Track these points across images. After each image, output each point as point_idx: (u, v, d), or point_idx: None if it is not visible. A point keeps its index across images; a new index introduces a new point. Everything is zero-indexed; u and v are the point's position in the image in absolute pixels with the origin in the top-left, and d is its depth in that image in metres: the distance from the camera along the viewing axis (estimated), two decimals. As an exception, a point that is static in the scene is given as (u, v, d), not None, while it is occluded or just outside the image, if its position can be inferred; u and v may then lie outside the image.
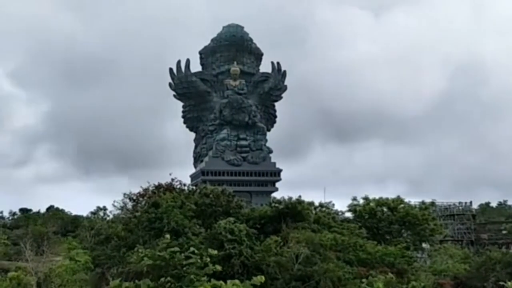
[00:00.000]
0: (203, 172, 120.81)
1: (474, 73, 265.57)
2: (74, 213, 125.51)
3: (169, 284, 29.81)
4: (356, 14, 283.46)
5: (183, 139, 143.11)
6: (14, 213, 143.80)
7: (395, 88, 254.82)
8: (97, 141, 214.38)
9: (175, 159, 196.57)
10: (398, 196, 70.77)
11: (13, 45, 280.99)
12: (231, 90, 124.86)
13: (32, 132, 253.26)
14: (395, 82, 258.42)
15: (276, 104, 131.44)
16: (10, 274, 42.98)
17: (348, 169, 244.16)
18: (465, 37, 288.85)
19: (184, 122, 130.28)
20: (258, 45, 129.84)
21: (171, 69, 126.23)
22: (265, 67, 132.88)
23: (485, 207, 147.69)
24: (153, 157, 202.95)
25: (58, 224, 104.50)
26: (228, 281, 31.12)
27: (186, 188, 62.46)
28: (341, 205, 75.91)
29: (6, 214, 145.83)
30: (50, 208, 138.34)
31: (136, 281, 31.41)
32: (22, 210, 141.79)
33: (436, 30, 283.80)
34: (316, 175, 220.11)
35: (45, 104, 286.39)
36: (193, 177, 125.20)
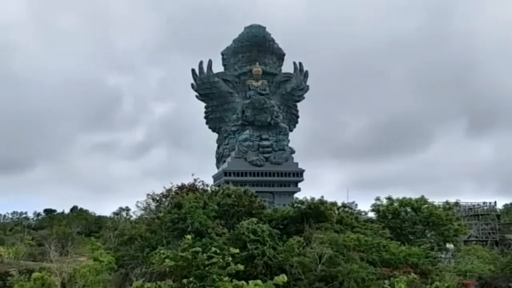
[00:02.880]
0: (225, 173, 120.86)
1: None
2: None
3: (191, 284, 29.81)
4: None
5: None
6: (39, 214, 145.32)
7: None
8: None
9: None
10: (422, 196, 70.38)
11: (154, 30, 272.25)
12: (253, 90, 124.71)
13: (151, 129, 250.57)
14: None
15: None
16: (34, 274, 43.24)
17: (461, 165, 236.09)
18: None
19: (207, 123, 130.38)
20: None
21: (193, 70, 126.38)
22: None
23: (510, 207, 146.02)
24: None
25: (82, 224, 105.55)
26: (250, 282, 31.07)
27: (208, 188, 62.51)
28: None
29: (30, 214, 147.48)
30: (74, 209, 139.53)
31: (159, 281, 31.49)
32: (47, 211, 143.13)
33: None
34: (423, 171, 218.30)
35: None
36: (215, 177, 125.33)
